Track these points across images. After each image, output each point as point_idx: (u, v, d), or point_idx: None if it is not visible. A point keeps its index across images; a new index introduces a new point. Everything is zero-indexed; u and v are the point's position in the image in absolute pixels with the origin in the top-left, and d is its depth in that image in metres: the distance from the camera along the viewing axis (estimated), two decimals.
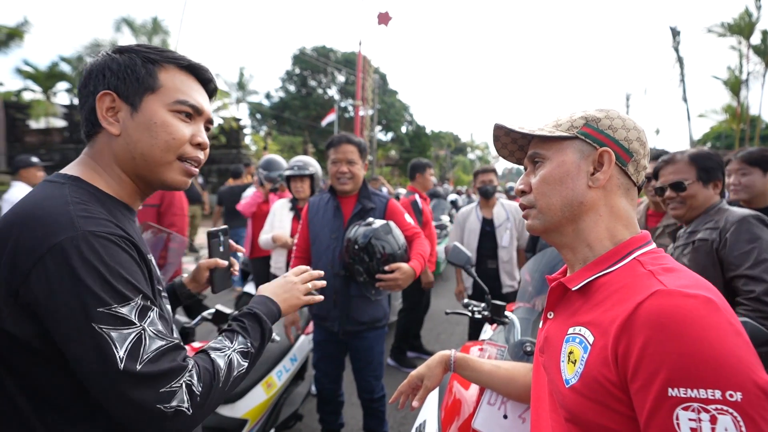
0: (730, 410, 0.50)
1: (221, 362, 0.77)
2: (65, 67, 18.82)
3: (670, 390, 0.53)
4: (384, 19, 18.58)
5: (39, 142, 16.70)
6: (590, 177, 0.72)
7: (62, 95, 19.81)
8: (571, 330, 0.69)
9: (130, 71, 0.76)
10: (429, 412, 1.44)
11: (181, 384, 0.68)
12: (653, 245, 0.72)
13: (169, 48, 0.87)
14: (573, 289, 0.72)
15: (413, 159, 4.36)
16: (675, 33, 23.36)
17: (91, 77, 0.77)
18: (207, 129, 0.86)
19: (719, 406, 0.51)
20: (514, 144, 0.84)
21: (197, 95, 0.82)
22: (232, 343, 0.82)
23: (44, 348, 0.66)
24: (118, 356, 0.63)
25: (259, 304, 0.93)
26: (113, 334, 0.64)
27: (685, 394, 0.52)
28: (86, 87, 0.78)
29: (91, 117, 0.78)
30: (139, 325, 0.67)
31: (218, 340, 0.82)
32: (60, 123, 18.29)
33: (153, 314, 0.70)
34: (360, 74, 19.42)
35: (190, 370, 0.71)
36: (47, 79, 18.55)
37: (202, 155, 0.83)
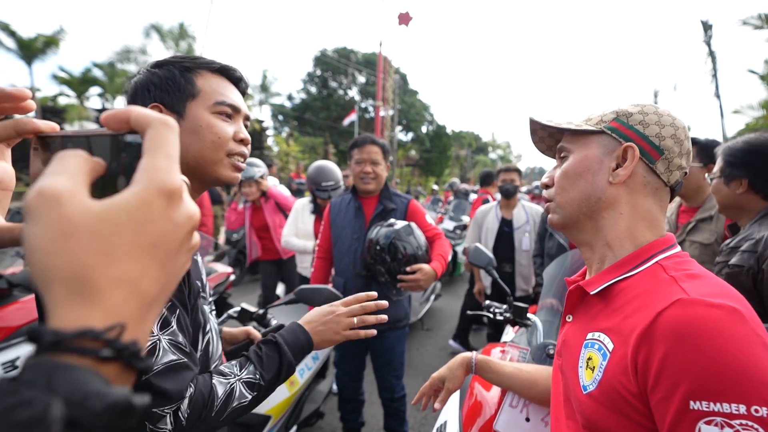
0: (756, 426, 0.48)
1: (220, 390, 0.75)
2: (97, 73, 19.62)
3: (692, 403, 0.51)
4: (404, 19, 18.58)
5: None
6: (612, 173, 0.69)
7: (95, 99, 20.66)
8: (590, 335, 0.67)
9: (171, 82, 0.81)
10: (450, 413, 1.44)
11: (171, 410, 0.68)
12: (677, 248, 0.69)
13: (195, 53, 0.91)
14: (592, 293, 0.70)
15: (483, 170, 4.52)
16: (707, 27, 22.46)
17: (138, 94, 0.83)
18: (245, 126, 0.89)
19: (744, 422, 0.49)
20: (551, 138, 0.81)
21: (233, 95, 0.86)
22: (240, 371, 0.80)
23: None
24: None
25: (288, 332, 0.89)
26: None
27: (708, 407, 0.50)
28: (134, 103, 0.83)
29: None
30: (156, 335, 0.68)
31: (229, 365, 0.81)
32: (93, 126, 19.05)
33: (174, 325, 0.71)
34: (380, 75, 19.47)
35: (186, 397, 0.70)
36: (81, 84, 19.37)
37: (246, 150, 0.86)
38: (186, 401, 0.69)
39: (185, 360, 0.71)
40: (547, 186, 0.78)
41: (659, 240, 0.69)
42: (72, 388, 0.21)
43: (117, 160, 0.30)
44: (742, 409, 0.49)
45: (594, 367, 0.64)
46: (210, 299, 0.91)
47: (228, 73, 0.87)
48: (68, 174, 0.26)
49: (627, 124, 0.70)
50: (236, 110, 0.85)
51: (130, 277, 0.25)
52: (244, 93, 0.91)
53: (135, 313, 0.25)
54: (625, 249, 0.69)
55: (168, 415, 0.67)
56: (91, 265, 0.24)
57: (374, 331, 0.93)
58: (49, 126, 0.35)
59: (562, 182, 0.73)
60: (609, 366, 0.61)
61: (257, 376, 0.80)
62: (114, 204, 0.25)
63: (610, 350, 0.62)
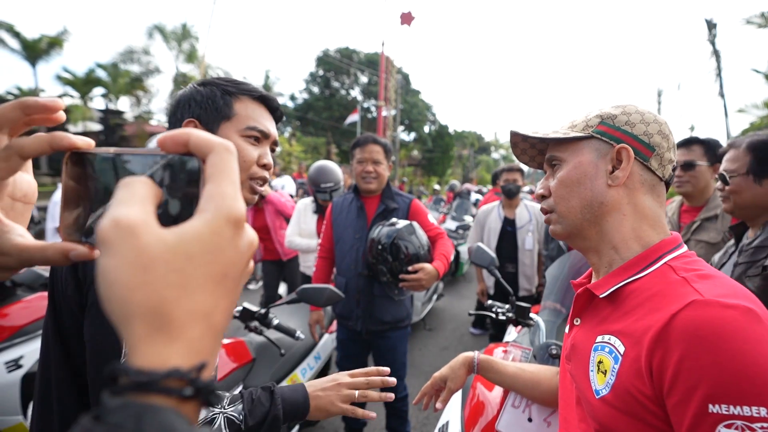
0: None
1: (201, 414, 0.74)
2: (101, 73, 19.69)
3: (710, 406, 0.50)
4: (407, 19, 18.59)
5: None
6: (609, 176, 0.69)
7: (98, 100, 20.75)
8: (599, 338, 0.67)
9: (210, 102, 0.85)
10: (452, 413, 1.44)
11: None
12: (684, 248, 0.69)
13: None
14: (601, 296, 0.69)
15: (495, 169, 4.50)
16: (711, 25, 22.36)
17: (179, 106, 0.86)
18: (272, 150, 0.93)
19: (766, 425, 0.48)
20: (534, 149, 0.82)
21: (265, 121, 0.89)
22: (228, 405, 0.79)
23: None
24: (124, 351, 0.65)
25: (290, 389, 0.87)
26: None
27: (727, 411, 0.50)
28: (174, 115, 0.87)
29: None
30: None
31: (223, 396, 0.80)
32: (96, 127, 19.15)
33: None
34: (383, 75, 19.47)
35: None
36: (84, 84, 19.44)
37: (266, 174, 0.89)
38: None
39: None
40: (543, 197, 0.77)
41: (666, 240, 0.68)
42: (162, 429, 0.21)
43: (171, 183, 0.30)
44: (763, 411, 0.48)
45: (606, 370, 0.63)
46: None
47: (267, 102, 0.91)
48: (139, 203, 0.25)
49: (614, 126, 0.70)
50: (265, 136, 0.88)
51: (204, 310, 0.25)
52: (279, 120, 0.95)
53: (210, 348, 0.25)
54: (632, 250, 0.69)
55: None
56: (169, 300, 0.23)
57: (373, 414, 0.88)
58: (85, 142, 0.34)
59: (561, 191, 0.73)
60: (622, 369, 0.60)
61: (240, 417, 0.78)
62: (187, 233, 0.25)
63: (622, 353, 0.61)
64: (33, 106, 0.35)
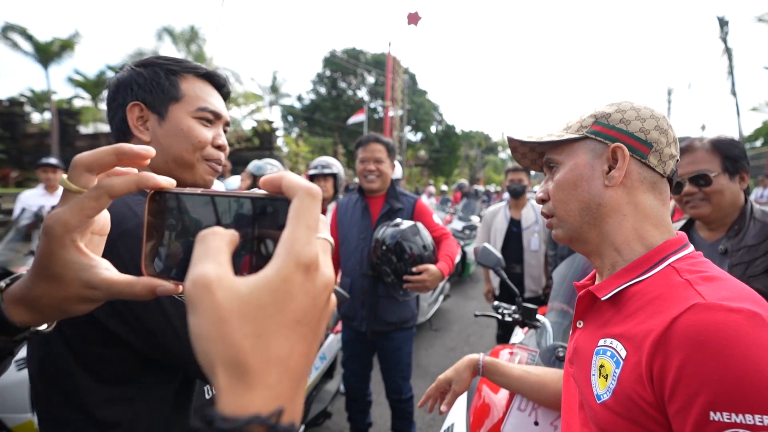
0: None
1: None
2: (111, 75, 19.93)
3: (712, 414, 0.49)
4: (414, 19, 18.57)
5: (88, 146, 17.76)
6: (606, 176, 0.68)
7: None
8: (601, 342, 0.65)
9: (155, 84, 0.83)
10: (457, 415, 1.42)
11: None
12: (690, 248, 0.67)
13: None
14: (603, 298, 0.68)
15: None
16: (723, 23, 22.03)
17: (119, 90, 0.84)
18: (224, 131, 0.92)
19: None
20: (534, 152, 0.81)
21: (215, 101, 0.88)
22: None
23: (117, 327, 0.70)
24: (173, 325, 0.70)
25: None
26: (172, 311, 0.70)
27: (729, 419, 0.48)
28: (115, 100, 0.85)
29: (122, 127, 0.84)
30: None
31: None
32: (107, 128, 19.35)
33: None
34: (389, 75, 19.47)
35: None
36: (95, 86, 19.74)
37: (222, 156, 0.89)
38: None
39: None
40: (543, 200, 0.76)
41: (671, 241, 0.67)
42: None
43: (254, 223, 0.31)
44: (767, 420, 0.46)
45: (607, 375, 0.62)
46: None
47: (212, 79, 0.89)
48: (213, 258, 0.27)
49: (608, 125, 0.69)
50: (217, 116, 0.87)
51: (279, 357, 0.26)
52: (226, 98, 0.93)
53: (288, 393, 0.26)
54: (635, 251, 0.67)
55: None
56: (245, 350, 0.25)
57: None
58: (168, 182, 0.36)
59: (559, 194, 0.72)
60: (623, 374, 0.59)
61: None
62: (258, 284, 0.26)
63: (624, 357, 0.60)
64: (128, 153, 0.38)
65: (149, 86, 0.82)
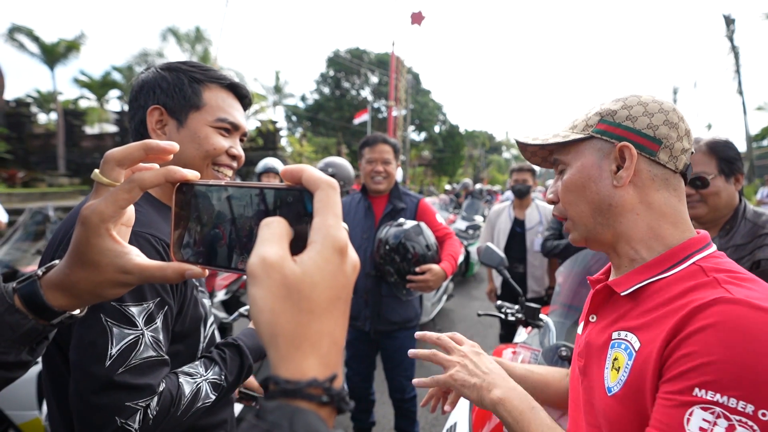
0: (755, 427, 0.46)
1: (187, 389, 0.75)
2: (117, 76, 20.08)
3: (697, 389, 0.49)
4: (417, 18, 18.55)
5: (93, 146, 17.89)
6: (614, 176, 0.66)
7: (114, 102, 21.20)
8: (615, 335, 0.64)
9: (178, 90, 0.82)
10: (460, 414, 1.42)
11: (144, 405, 0.68)
12: (713, 248, 0.65)
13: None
14: (622, 294, 0.66)
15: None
16: (729, 21, 21.84)
17: (142, 92, 0.84)
18: (241, 140, 0.92)
19: (743, 419, 0.46)
20: (544, 149, 0.79)
21: (235, 112, 0.88)
22: (206, 371, 0.80)
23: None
24: (109, 353, 0.66)
25: (246, 336, 0.91)
26: (115, 330, 0.67)
27: (713, 397, 0.48)
28: (137, 100, 0.85)
29: (141, 128, 0.84)
30: (140, 328, 0.69)
31: (194, 365, 0.81)
32: (112, 128, 19.52)
33: (159, 322, 0.72)
34: (393, 75, 19.46)
35: (158, 393, 0.70)
36: (101, 87, 19.88)
37: (235, 164, 0.89)
38: (155, 398, 0.70)
39: (164, 357, 0.72)
40: (553, 202, 0.75)
41: (694, 239, 0.65)
42: (308, 429, 0.26)
43: (275, 212, 0.34)
44: (749, 408, 0.47)
45: (619, 367, 0.61)
46: (220, 294, 0.94)
47: (236, 89, 0.90)
48: (278, 241, 0.31)
49: (614, 123, 0.67)
50: (236, 128, 0.88)
51: (329, 330, 0.30)
52: (246, 108, 0.94)
53: (336, 361, 0.30)
54: (654, 250, 0.66)
55: (139, 411, 0.67)
56: (303, 323, 0.29)
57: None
58: (193, 174, 0.40)
59: (568, 197, 0.71)
60: (635, 365, 0.58)
61: (222, 377, 0.81)
62: (308, 264, 0.30)
63: (637, 349, 0.59)
64: (155, 149, 0.41)
65: (172, 91, 0.82)
